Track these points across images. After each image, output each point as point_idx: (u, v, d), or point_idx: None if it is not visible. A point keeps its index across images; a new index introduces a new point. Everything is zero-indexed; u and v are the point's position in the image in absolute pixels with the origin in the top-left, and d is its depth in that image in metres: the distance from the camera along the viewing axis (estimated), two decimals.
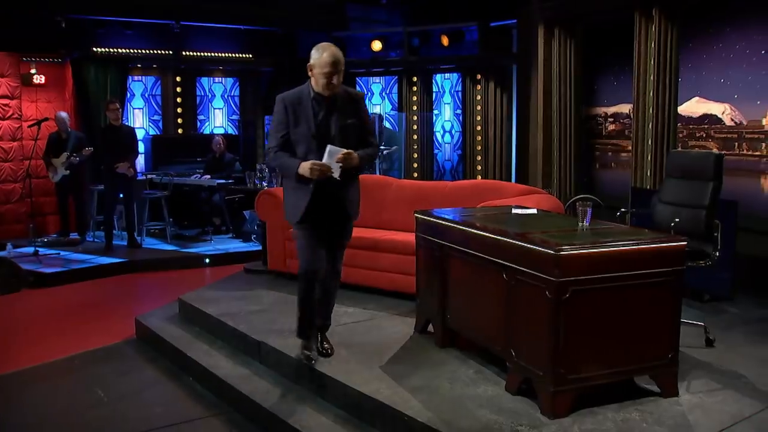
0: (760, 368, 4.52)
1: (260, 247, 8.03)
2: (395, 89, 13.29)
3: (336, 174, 4.42)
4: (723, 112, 7.71)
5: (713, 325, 5.18)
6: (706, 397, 4.05)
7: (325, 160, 4.39)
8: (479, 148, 12.47)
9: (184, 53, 12.44)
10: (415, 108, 12.97)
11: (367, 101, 13.45)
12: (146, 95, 12.54)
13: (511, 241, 3.98)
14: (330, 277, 4.79)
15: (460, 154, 12.95)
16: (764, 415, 3.85)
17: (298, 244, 4.67)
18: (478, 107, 12.42)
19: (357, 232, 6.57)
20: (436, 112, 13.16)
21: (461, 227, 4.54)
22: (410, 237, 5.36)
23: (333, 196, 4.59)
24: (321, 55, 4.41)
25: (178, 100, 12.72)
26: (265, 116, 13.04)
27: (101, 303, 7.84)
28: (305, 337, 4.76)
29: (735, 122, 7.55)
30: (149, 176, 11.13)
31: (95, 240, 10.42)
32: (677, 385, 4.06)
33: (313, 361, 4.66)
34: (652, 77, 8.14)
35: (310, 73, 4.50)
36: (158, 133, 12.55)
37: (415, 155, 13.01)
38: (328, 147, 4.38)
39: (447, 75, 13.07)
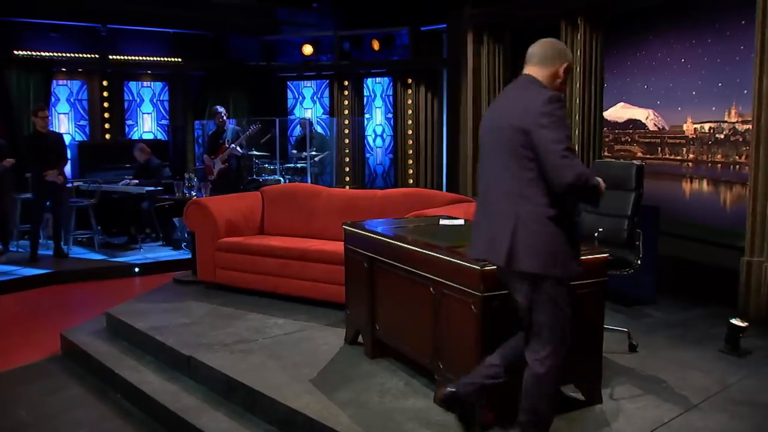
0: (680, 372, 4.66)
1: (190, 255, 7.93)
2: (326, 93, 13.30)
3: None
4: (647, 118, 7.93)
5: (636, 330, 5.32)
6: (628, 404, 4.16)
7: None
8: (411, 152, 12.57)
9: (111, 57, 12.24)
10: (346, 112, 13.00)
11: (298, 105, 13.46)
12: (72, 100, 12.28)
13: (437, 255, 4.02)
14: None
15: (391, 158, 13.03)
16: (682, 419, 3.97)
17: (560, 316, 3.30)
18: (409, 111, 12.52)
19: (287, 241, 6.62)
20: (367, 116, 13.21)
21: (389, 240, 4.56)
22: (340, 246, 5.35)
23: None
24: (570, 54, 3.51)
25: (105, 104, 12.48)
26: (195, 121, 12.90)
27: (26, 317, 7.62)
28: None
29: (658, 127, 7.77)
30: (76, 183, 10.88)
31: (19, 250, 10.13)
32: (601, 393, 4.15)
33: None
34: (578, 84, 8.32)
35: (562, 74, 3.45)
36: (85, 139, 12.30)
37: (347, 159, 13.04)
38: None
39: (378, 79, 13.15)
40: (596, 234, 5.01)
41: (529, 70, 3.45)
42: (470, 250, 3.57)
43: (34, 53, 11.45)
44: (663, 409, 4.10)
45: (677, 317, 5.98)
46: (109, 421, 4.94)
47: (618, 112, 8.35)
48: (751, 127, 5.95)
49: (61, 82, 12.12)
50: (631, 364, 4.78)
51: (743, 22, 6.47)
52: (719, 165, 7.01)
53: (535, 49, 3.48)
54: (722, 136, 6.92)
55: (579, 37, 8.29)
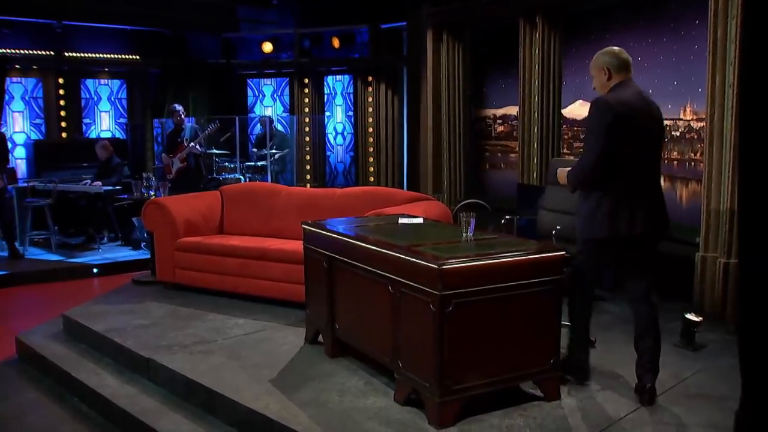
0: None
1: (149, 255, 7.85)
2: (287, 91, 13.25)
3: None
4: None
5: (594, 326, 5.32)
6: (586, 399, 4.21)
7: None
8: (371, 149, 12.59)
9: (67, 54, 12.05)
10: (306, 110, 12.97)
11: (258, 103, 13.40)
12: (27, 98, 12.06)
13: (396, 254, 4.02)
14: None
15: (352, 156, 13.03)
16: (637, 414, 4.04)
17: None
18: (370, 109, 12.54)
19: (246, 241, 6.60)
20: (328, 113, 13.19)
21: (348, 240, 4.56)
22: (300, 246, 5.33)
23: None
24: None
25: (62, 102, 12.27)
26: (154, 119, 12.77)
27: None
28: None
29: None
30: (32, 183, 10.70)
31: None
32: (559, 389, 4.20)
33: None
34: (536, 82, 8.39)
35: None
36: (40, 137, 12.09)
37: (308, 157, 13.02)
38: None
39: (338, 77, 13.14)
40: (554, 232, 5.05)
41: (629, 75, 4.28)
42: (627, 227, 4.09)
43: None
44: (620, 404, 4.15)
45: None
46: (66, 425, 4.89)
47: (576, 110, 8.41)
48: (704, 125, 6.05)
49: (15, 79, 11.89)
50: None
51: (697, 22, 6.56)
52: (675, 162, 7.11)
53: (623, 58, 4.28)
54: (678, 134, 7.02)
55: (537, 36, 8.36)
